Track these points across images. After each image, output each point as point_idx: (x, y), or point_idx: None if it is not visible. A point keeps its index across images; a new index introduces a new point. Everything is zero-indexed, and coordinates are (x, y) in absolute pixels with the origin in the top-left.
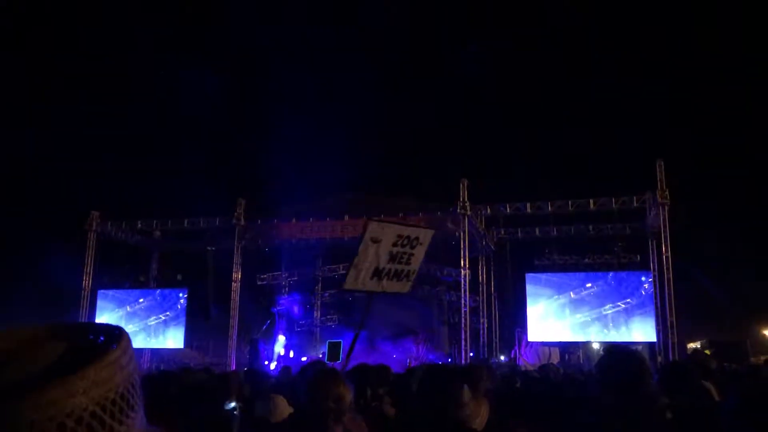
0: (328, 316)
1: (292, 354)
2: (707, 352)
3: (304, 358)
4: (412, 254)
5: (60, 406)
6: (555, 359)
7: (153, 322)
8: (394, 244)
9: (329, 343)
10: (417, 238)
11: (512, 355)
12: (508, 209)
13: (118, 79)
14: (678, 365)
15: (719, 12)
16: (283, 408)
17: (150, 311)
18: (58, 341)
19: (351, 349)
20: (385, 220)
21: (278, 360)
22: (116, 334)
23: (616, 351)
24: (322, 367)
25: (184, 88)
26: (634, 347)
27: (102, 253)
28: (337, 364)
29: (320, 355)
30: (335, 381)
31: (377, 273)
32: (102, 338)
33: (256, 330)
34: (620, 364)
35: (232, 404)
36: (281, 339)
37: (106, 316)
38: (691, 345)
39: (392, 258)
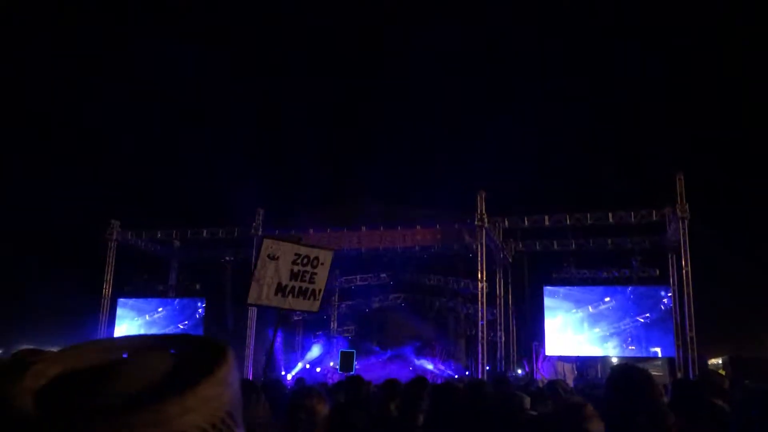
0: (345, 327)
1: (308, 365)
2: (722, 371)
3: (318, 369)
4: (315, 273)
5: (174, 423)
6: (572, 374)
7: (172, 331)
8: (294, 262)
9: (341, 353)
10: (317, 258)
11: (527, 370)
12: (526, 222)
13: (139, 86)
14: (687, 383)
15: (736, 25)
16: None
17: (169, 320)
18: (163, 354)
19: (270, 352)
20: (279, 238)
21: (297, 372)
22: (223, 348)
23: (623, 369)
24: (304, 388)
25: (204, 96)
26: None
27: (122, 262)
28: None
29: (336, 366)
30: (309, 395)
31: (281, 289)
32: (209, 353)
33: (272, 341)
34: (627, 382)
35: None
36: (315, 349)
37: (125, 325)
38: (712, 361)
39: (294, 276)
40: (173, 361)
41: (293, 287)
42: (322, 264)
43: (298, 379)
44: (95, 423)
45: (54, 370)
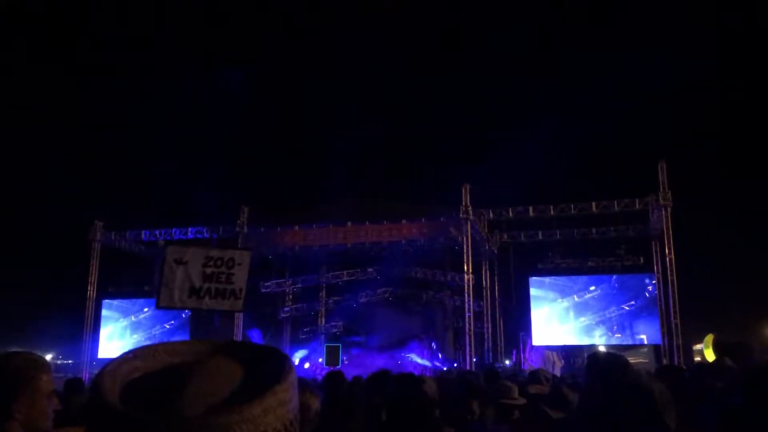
0: (333, 323)
1: (297, 362)
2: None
3: (307, 365)
4: (232, 274)
5: (258, 423)
6: (560, 363)
7: (158, 332)
8: (205, 265)
9: (327, 346)
10: (232, 259)
11: (514, 360)
12: (510, 213)
13: (121, 87)
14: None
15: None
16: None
17: (155, 321)
18: (231, 360)
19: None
20: (183, 242)
21: None
22: (286, 356)
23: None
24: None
25: (186, 95)
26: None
27: (106, 263)
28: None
29: (324, 362)
30: (300, 390)
31: (195, 292)
32: (276, 359)
33: (261, 338)
34: (605, 363)
35: None
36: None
37: (110, 325)
38: (697, 346)
39: (207, 278)
40: (244, 367)
41: (209, 288)
42: (239, 264)
43: None
44: (184, 423)
45: (134, 367)
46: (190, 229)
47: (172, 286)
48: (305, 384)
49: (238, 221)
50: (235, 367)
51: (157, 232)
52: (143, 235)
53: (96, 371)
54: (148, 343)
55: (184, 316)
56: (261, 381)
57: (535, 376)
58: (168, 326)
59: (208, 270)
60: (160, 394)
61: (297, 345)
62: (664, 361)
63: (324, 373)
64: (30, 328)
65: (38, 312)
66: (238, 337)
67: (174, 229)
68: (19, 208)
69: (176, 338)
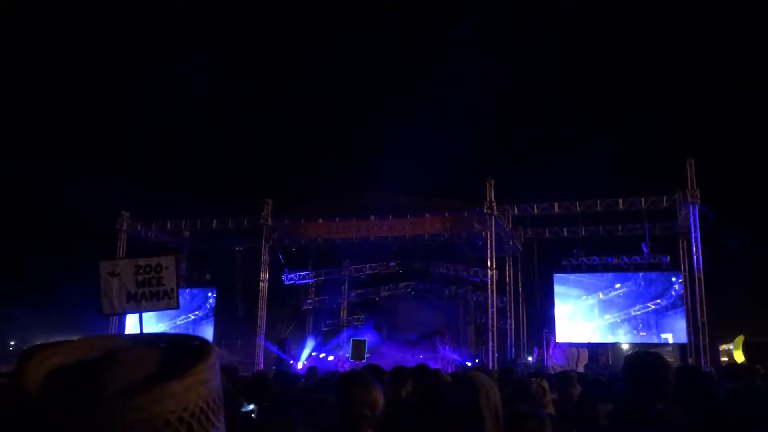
0: (355, 316)
1: (322, 355)
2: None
3: (331, 358)
4: (162, 277)
5: (179, 399)
6: (584, 360)
7: (182, 322)
8: (137, 273)
9: (353, 340)
10: (159, 265)
11: (536, 357)
12: (535, 209)
13: (145, 79)
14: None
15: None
16: None
17: (179, 311)
18: (152, 348)
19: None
20: (114, 258)
21: (307, 359)
22: (205, 341)
23: (638, 356)
24: (350, 373)
25: (211, 88)
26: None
27: (132, 253)
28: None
29: (347, 355)
30: (365, 386)
31: (132, 297)
32: (196, 343)
33: (284, 329)
34: (643, 369)
35: (250, 407)
36: (311, 343)
37: (135, 315)
38: (724, 347)
39: (140, 284)
40: (162, 353)
41: (143, 293)
42: (167, 268)
43: (310, 368)
44: (103, 404)
45: (57, 359)
46: (214, 220)
47: (110, 295)
48: (370, 380)
49: (262, 213)
50: (156, 353)
51: (183, 223)
52: (170, 226)
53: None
54: (173, 332)
55: (208, 306)
56: (182, 362)
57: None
58: (193, 316)
59: (140, 277)
60: (80, 382)
61: (319, 338)
62: (690, 361)
63: (347, 366)
64: (56, 319)
65: (66, 302)
66: (262, 329)
67: (198, 220)
68: (48, 201)
69: (201, 328)
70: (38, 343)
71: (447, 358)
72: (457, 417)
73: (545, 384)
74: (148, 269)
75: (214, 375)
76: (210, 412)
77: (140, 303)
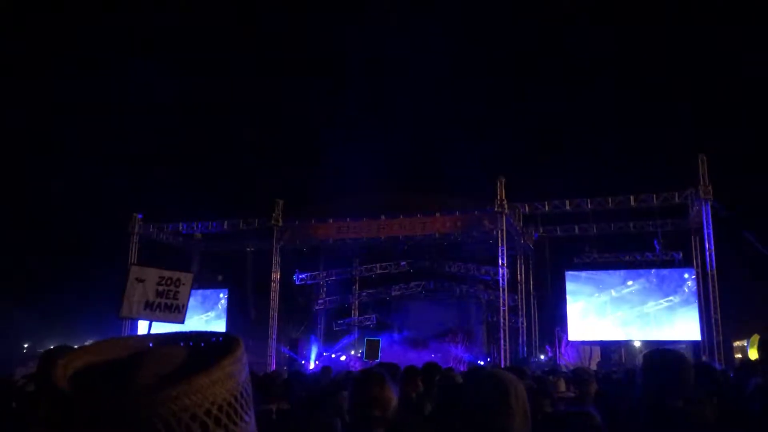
0: (366, 316)
1: (333, 355)
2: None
3: (343, 357)
4: (178, 291)
5: (206, 393)
6: (596, 358)
7: (194, 323)
8: (159, 283)
9: (367, 340)
10: (179, 279)
11: (549, 355)
12: (546, 207)
13: (158, 84)
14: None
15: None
16: None
17: (192, 312)
18: (177, 346)
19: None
20: (145, 265)
21: (319, 359)
22: (235, 336)
23: (657, 354)
24: (365, 372)
25: (220, 93)
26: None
27: (144, 255)
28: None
29: (358, 355)
30: (377, 383)
31: (149, 305)
32: (224, 339)
33: (295, 330)
34: (661, 366)
35: (270, 406)
36: (315, 346)
37: (146, 321)
38: (737, 343)
39: (159, 294)
40: (188, 350)
41: (159, 303)
42: (184, 284)
43: (324, 368)
44: (132, 397)
45: (85, 359)
46: (226, 221)
47: (132, 300)
48: (384, 378)
49: (273, 214)
50: (182, 350)
51: (195, 225)
52: (182, 228)
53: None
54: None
55: (220, 306)
56: (209, 357)
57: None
58: (205, 317)
59: (161, 288)
60: (107, 378)
61: (330, 337)
62: (704, 358)
63: (358, 366)
64: (70, 321)
65: (78, 305)
66: (274, 330)
67: (211, 222)
68: (60, 204)
69: (213, 329)
70: (54, 346)
71: (459, 357)
72: (483, 416)
73: (561, 382)
74: (168, 282)
75: (242, 369)
76: (238, 405)
77: (155, 312)
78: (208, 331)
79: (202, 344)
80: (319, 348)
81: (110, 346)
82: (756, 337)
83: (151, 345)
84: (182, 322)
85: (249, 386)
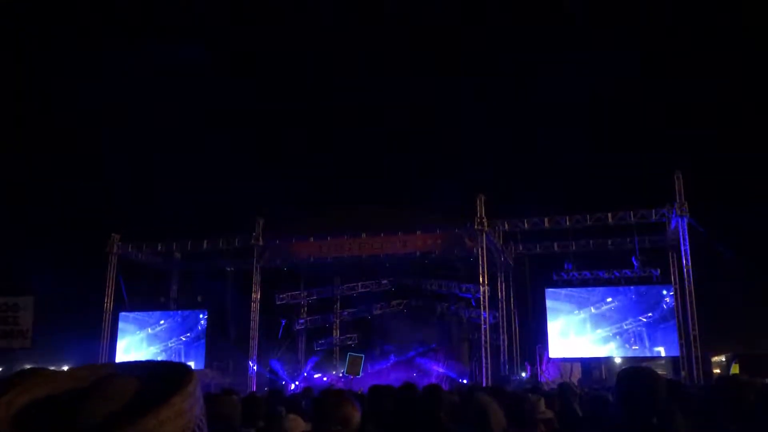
0: (348, 335)
1: (316, 375)
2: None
3: (325, 378)
4: (17, 316)
5: None
6: (577, 375)
7: (173, 344)
8: None
9: (350, 356)
10: (16, 305)
11: (529, 373)
12: (525, 224)
13: (134, 101)
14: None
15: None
16: (298, 427)
17: (171, 333)
18: (127, 378)
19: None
20: None
21: (300, 380)
22: (186, 367)
23: (629, 373)
24: (328, 389)
25: (200, 107)
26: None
27: (123, 275)
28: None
29: (340, 375)
30: (341, 402)
31: None
32: (174, 372)
33: (276, 350)
34: (634, 385)
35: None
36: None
37: (127, 338)
38: (716, 358)
39: None
40: (137, 384)
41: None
42: (24, 309)
43: (305, 388)
44: None
45: (31, 394)
46: (205, 241)
47: None
48: (347, 397)
49: (253, 233)
50: (134, 384)
51: (174, 245)
52: (159, 248)
53: None
54: (164, 355)
55: (199, 327)
56: (158, 394)
57: (563, 389)
58: (184, 338)
59: None
60: (54, 419)
61: (312, 357)
62: (683, 374)
63: (341, 384)
64: (45, 342)
65: (54, 325)
66: (254, 350)
67: (189, 241)
68: (36, 221)
69: (193, 350)
70: (25, 367)
71: (441, 375)
72: None
73: (541, 402)
74: (4, 307)
75: (194, 403)
76: None
77: None
78: (166, 361)
79: (156, 377)
80: (300, 369)
81: (65, 377)
82: (735, 366)
83: (106, 375)
84: (29, 346)
85: (204, 418)
